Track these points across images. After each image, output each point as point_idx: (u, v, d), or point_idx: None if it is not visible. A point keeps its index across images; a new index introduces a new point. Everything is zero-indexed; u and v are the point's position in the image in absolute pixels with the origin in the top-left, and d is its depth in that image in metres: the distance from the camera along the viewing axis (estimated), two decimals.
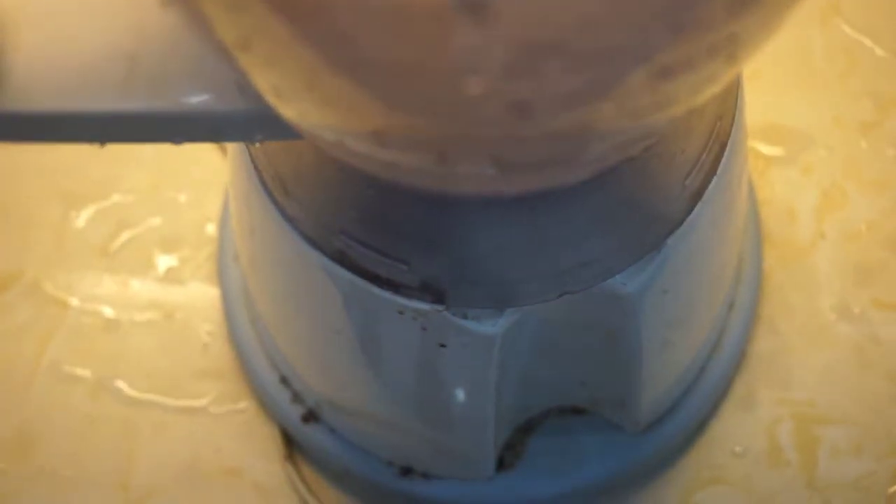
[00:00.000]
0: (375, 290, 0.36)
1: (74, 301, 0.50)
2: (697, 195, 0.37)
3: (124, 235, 0.51)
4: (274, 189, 0.37)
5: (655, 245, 0.37)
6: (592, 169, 0.33)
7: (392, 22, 0.21)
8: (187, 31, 0.29)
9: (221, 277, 0.49)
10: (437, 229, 0.35)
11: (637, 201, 0.36)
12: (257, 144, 0.37)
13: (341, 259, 0.36)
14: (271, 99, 0.28)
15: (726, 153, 0.37)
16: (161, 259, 0.50)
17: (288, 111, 0.29)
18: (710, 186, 0.37)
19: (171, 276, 0.50)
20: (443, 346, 0.37)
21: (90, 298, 0.50)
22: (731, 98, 0.38)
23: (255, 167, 0.38)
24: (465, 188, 0.33)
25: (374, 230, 0.36)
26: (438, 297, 0.36)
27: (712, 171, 0.37)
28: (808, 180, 0.51)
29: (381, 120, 0.26)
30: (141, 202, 0.51)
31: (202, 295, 0.50)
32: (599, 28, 0.21)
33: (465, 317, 0.36)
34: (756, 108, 0.51)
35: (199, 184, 0.51)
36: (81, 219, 0.51)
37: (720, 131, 0.37)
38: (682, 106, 0.29)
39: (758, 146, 0.52)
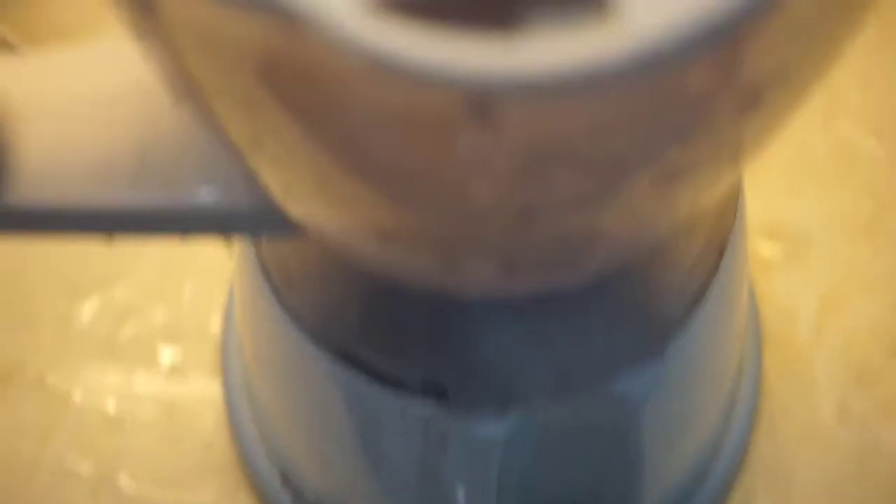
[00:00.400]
0: (377, 388, 0.36)
1: (77, 394, 0.50)
2: (698, 297, 0.37)
3: (128, 328, 0.51)
4: (279, 284, 0.37)
5: (658, 347, 0.37)
6: (597, 273, 0.33)
7: (401, 126, 0.21)
8: (198, 128, 0.29)
9: (225, 372, 0.49)
10: (441, 329, 0.35)
11: (639, 304, 0.36)
12: (264, 241, 0.37)
13: (344, 356, 0.36)
14: (280, 197, 0.28)
15: (726, 255, 0.38)
16: (165, 352, 0.50)
17: (296, 209, 0.29)
18: (711, 290, 0.37)
19: (174, 369, 0.50)
20: (445, 446, 0.37)
21: (93, 392, 0.50)
22: (732, 201, 0.38)
23: (261, 262, 0.38)
24: (471, 290, 0.33)
25: (378, 329, 0.36)
26: (441, 398, 0.36)
27: (712, 274, 0.37)
28: (808, 281, 0.52)
29: (389, 220, 0.27)
30: (145, 295, 0.52)
31: (205, 388, 0.50)
32: (607, 136, 0.21)
33: (467, 418, 0.36)
34: (756, 207, 0.52)
35: (204, 277, 0.52)
36: (85, 311, 0.51)
37: (721, 231, 0.38)
38: (686, 210, 0.29)
39: (758, 246, 0.52)
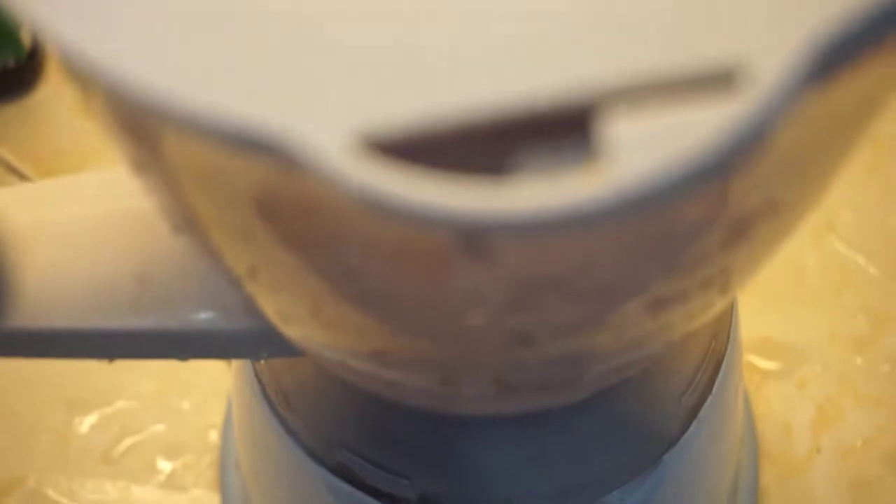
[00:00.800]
0: (370, 501, 0.37)
1: None
2: (693, 413, 0.37)
3: (127, 442, 0.51)
4: (276, 401, 0.38)
5: (652, 462, 0.37)
6: (592, 390, 0.33)
7: (395, 259, 0.21)
8: (196, 255, 0.30)
9: (223, 485, 0.49)
10: (438, 446, 0.36)
11: (635, 420, 0.36)
12: (262, 361, 0.38)
13: (342, 472, 0.37)
14: (277, 322, 0.29)
15: (721, 372, 0.38)
16: (163, 465, 0.51)
17: (292, 333, 0.29)
18: (706, 404, 0.37)
19: (173, 483, 0.50)
20: None
21: None
22: (726, 318, 0.39)
23: (259, 380, 0.38)
24: (467, 409, 0.34)
25: (375, 445, 0.36)
26: None
27: (708, 389, 0.38)
28: (803, 395, 0.52)
29: (384, 344, 0.27)
30: (144, 409, 0.52)
31: (204, 502, 0.50)
32: (598, 269, 0.22)
33: None
34: (752, 323, 0.52)
35: (203, 391, 0.52)
36: (85, 425, 0.51)
37: (715, 350, 0.38)
38: (678, 332, 0.29)
39: (753, 360, 0.52)
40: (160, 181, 0.23)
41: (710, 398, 0.38)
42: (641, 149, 0.17)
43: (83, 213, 0.32)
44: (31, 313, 0.32)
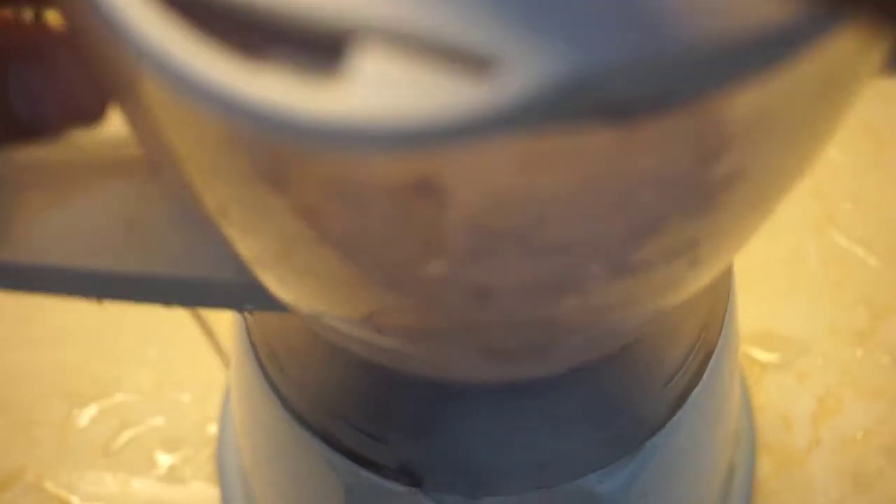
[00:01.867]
0: (355, 468, 0.37)
1: (75, 500, 0.50)
2: (680, 400, 0.37)
3: (126, 434, 0.51)
4: (267, 363, 0.38)
5: (635, 446, 0.37)
6: (573, 363, 0.33)
7: (354, 198, 0.21)
8: (178, 198, 0.30)
9: (221, 473, 0.49)
10: (418, 413, 0.36)
11: (617, 402, 0.36)
12: (245, 315, 0.38)
13: (325, 435, 0.37)
14: (253, 267, 0.29)
15: (712, 362, 0.38)
16: (162, 458, 0.51)
17: (268, 281, 0.30)
18: (694, 393, 0.37)
19: (172, 476, 0.50)
20: None
21: (91, 497, 0.50)
22: (721, 307, 0.39)
23: (250, 340, 0.38)
24: (446, 374, 0.34)
25: (358, 409, 0.36)
26: (415, 481, 0.36)
27: (696, 378, 0.37)
28: (803, 387, 0.52)
29: (352, 297, 0.27)
30: (143, 402, 0.52)
31: (203, 494, 0.50)
32: (554, 224, 0.22)
33: (441, 502, 0.36)
34: (751, 314, 0.52)
35: (202, 384, 0.52)
36: (84, 418, 0.52)
37: (706, 339, 0.38)
38: (649, 305, 0.29)
39: (753, 352, 0.52)
40: (135, 115, 0.23)
41: (698, 388, 0.38)
42: (376, 86, 0.17)
43: (77, 157, 0.33)
44: (21, 249, 0.32)
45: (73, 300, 0.33)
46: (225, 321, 0.53)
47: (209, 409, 0.51)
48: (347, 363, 0.35)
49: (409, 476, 0.36)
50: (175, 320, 0.54)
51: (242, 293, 0.32)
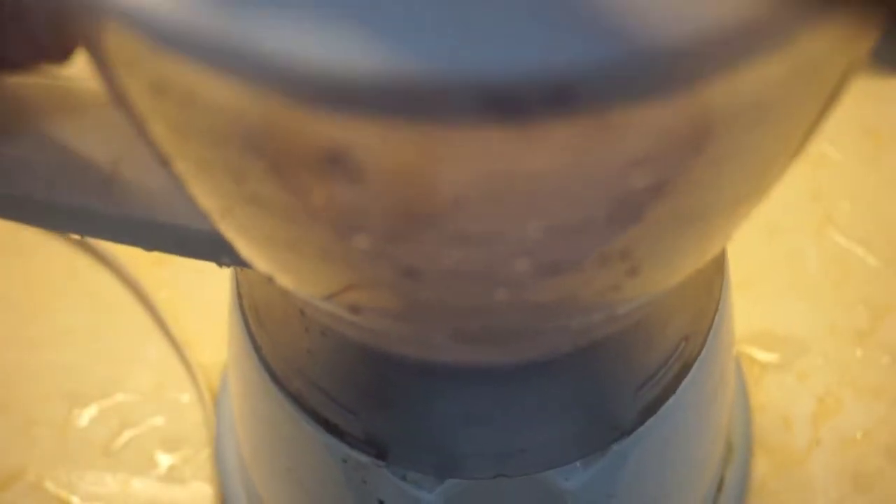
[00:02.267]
0: (322, 434, 0.37)
1: (75, 500, 0.50)
2: (652, 409, 0.37)
3: (126, 434, 0.51)
4: (249, 316, 0.38)
5: (600, 448, 0.36)
6: (539, 353, 0.33)
7: (277, 168, 0.22)
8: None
9: (219, 468, 0.49)
10: (388, 386, 0.36)
11: (586, 398, 0.36)
12: (224, 268, 0.38)
13: (297, 398, 0.37)
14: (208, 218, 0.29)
15: (691, 374, 0.37)
16: (162, 458, 0.51)
17: (225, 234, 0.30)
18: (668, 404, 0.37)
19: (172, 476, 0.50)
20: (381, 502, 0.38)
21: (91, 497, 0.50)
22: (705, 321, 0.38)
23: (238, 292, 0.39)
24: (408, 351, 0.34)
25: (328, 376, 0.36)
26: (381, 454, 0.36)
27: (671, 389, 0.37)
28: (803, 387, 0.52)
29: (289, 259, 0.28)
30: (144, 402, 0.52)
31: (203, 494, 0.50)
32: (467, 214, 0.22)
33: (404, 478, 0.36)
34: (751, 314, 0.52)
35: (202, 385, 0.52)
36: (84, 418, 0.52)
37: (685, 352, 0.37)
38: (594, 306, 0.29)
39: (752, 352, 0.52)
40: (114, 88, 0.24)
41: (672, 398, 0.37)
42: None
43: (72, 100, 0.33)
44: (7, 179, 0.33)
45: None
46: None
47: (209, 409, 0.51)
48: (318, 327, 0.36)
49: (375, 448, 0.36)
50: (175, 320, 0.54)
51: (219, 245, 0.32)
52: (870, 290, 0.54)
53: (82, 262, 0.56)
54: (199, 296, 0.54)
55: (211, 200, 0.26)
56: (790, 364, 0.52)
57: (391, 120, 0.19)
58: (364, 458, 0.36)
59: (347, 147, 0.20)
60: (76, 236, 0.56)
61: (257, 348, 0.38)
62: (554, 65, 0.18)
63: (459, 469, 0.36)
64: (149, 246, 0.34)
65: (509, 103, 0.19)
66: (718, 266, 0.39)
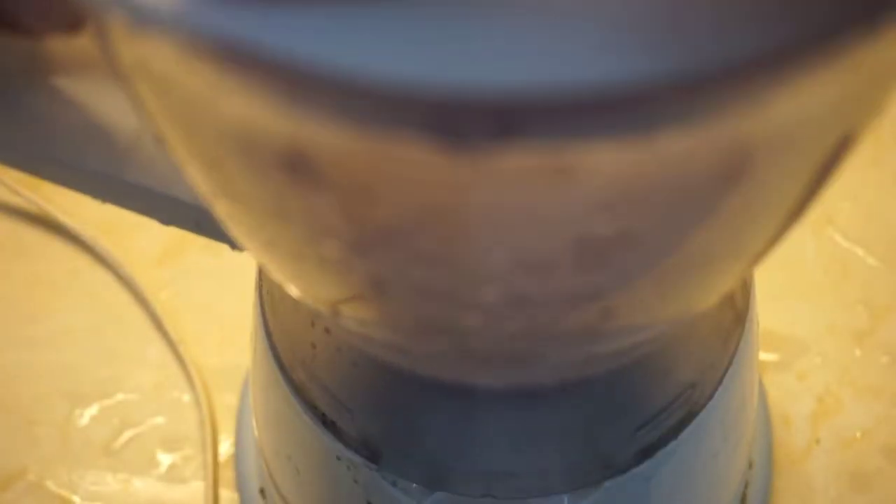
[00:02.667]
0: (319, 428, 0.37)
1: (76, 500, 0.50)
2: (649, 451, 0.36)
3: (127, 434, 0.51)
4: (267, 306, 0.39)
5: (593, 482, 0.36)
6: (529, 380, 0.34)
7: (242, 165, 0.23)
8: None
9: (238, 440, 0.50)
10: (384, 392, 0.36)
11: (578, 431, 0.36)
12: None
13: (299, 389, 0.37)
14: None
15: (695, 422, 0.37)
16: (163, 458, 0.51)
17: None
18: (667, 448, 0.36)
19: (172, 475, 0.50)
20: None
21: (92, 497, 0.50)
22: (716, 372, 0.38)
23: (259, 278, 0.39)
24: (390, 358, 0.34)
25: (328, 372, 0.37)
26: (373, 456, 0.36)
27: (672, 434, 0.37)
28: (802, 387, 0.52)
29: (268, 257, 0.28)
30: (144, 402, 0.52)
31: (203, 493, 0.50)
32: (428, 234, 0.22)
33: (395, 484, 0.36)
34: None
35: (203, 384, 0.52)
36: (85, 417, 0.52)
37: (691, 399, 0.37)
38: (564, 344, 0.29)
39: None
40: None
41: (673, 443, 0.37)
42: None
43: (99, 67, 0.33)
44: (30, 130, 0.33)
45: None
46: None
47: (209, 408, 0.51)
48: (323, 323, 0.36)
49: (368, 450, 0.36)
50: (175, 321, 0.54)
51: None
52: (869, 290, 0.54)
53: (82, 262, 0.56)
54: (200, 296, 0.54)
55: (196, 183, 0.26)
56: (790, 364, 0.52)
57: (345, 127, 0.19)
58: (357, 459, 0.37)
59: (305, 150, 0.21)
60: (76, 237, 0.56)
61: (269, 333, 0.38)
62: (495, 90, 0.18)
63: (449, 483, 0.36)
64: (167, 221, 0.35)
65: (446, 126, 0.18)
66: (738, 319, 0.38)
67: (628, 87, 0.18)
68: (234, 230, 0.28)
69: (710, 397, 0.37)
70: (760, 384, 0.50)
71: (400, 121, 0.18)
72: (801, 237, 0.56)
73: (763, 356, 0.52)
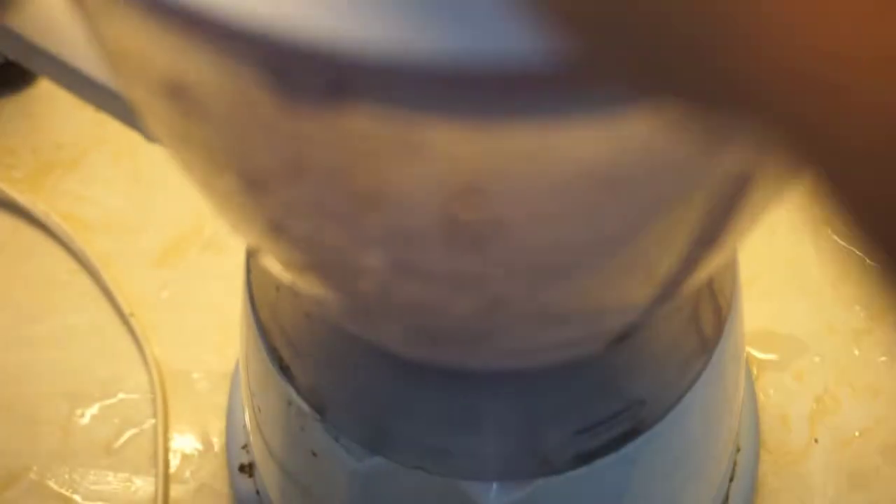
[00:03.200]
0: (276, 370, 0.38)
1: (77, 499, 0.50)
2: (586, 457, 0.36)
3: (128, 433, 0.51)
4: (252, 258, 0.39)
5: (525, 476, 0.36)
6: (471, 363, 0.34)
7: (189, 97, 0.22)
8: None
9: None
10: (336, 348, 0.36)
11: (515, 421, 0.36)
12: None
13: (264, 329, 0.38)
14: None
15: (642, 438, 0.36)
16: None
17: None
18: (607, 459, 0.36)
19: (174, 474, 0.51)
20: (315, 454, 0.38)
21: (93, 496, 0.50)
22: (670, 393, 0.37)
23: (247, 255, 0.40)
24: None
25: (288, 315, 0.37)
26: (319, 409, 0.37)
27: (613, 446, 0.36)
28: (801, 386, 0.52)
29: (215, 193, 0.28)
30: (145, 401, 0.52)
31: (203, 494, 0.50)
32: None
33: (337, 439, 0.37)
34: (750, 314, 0.52)
35: (203, 384, 0.52)
36: (86, 417, 0.52)
37: (637, 415, 0.37)
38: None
39: (752, 351, 0.52)
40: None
41: (613, 456, 0.36)
42: None
43: None
44: (32, 27, 0.33)
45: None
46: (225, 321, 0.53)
47: (209, 408, 0.52)
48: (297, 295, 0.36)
49: (316, 401, 0.37)
50: (175, 321, 0.54)
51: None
52: (868, 290, 0.54)
53: (82, 262, 0.56)
54: (200, 297, 0.55)
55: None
56: (788, 363, 0.53)
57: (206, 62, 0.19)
58: (305, 407, 0.37)
59: (182, 81, 0.21)
60: (75, 237, 0.56)
61: (248, 270, 0.39)
62: (329, 46, 0.17)
63: (386, 449, 0.36)
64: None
65: (285, 74, 0.18)
66: (704, 346, 0.38)
67: (469, 66, 0.17)
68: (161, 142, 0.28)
69: (661, 419, 0.37)
70: (756, 412, 0.50)
71: (246, 62, 0.18)
72: (800, 237, 0.56)
73: (762, 356, 0.53)
